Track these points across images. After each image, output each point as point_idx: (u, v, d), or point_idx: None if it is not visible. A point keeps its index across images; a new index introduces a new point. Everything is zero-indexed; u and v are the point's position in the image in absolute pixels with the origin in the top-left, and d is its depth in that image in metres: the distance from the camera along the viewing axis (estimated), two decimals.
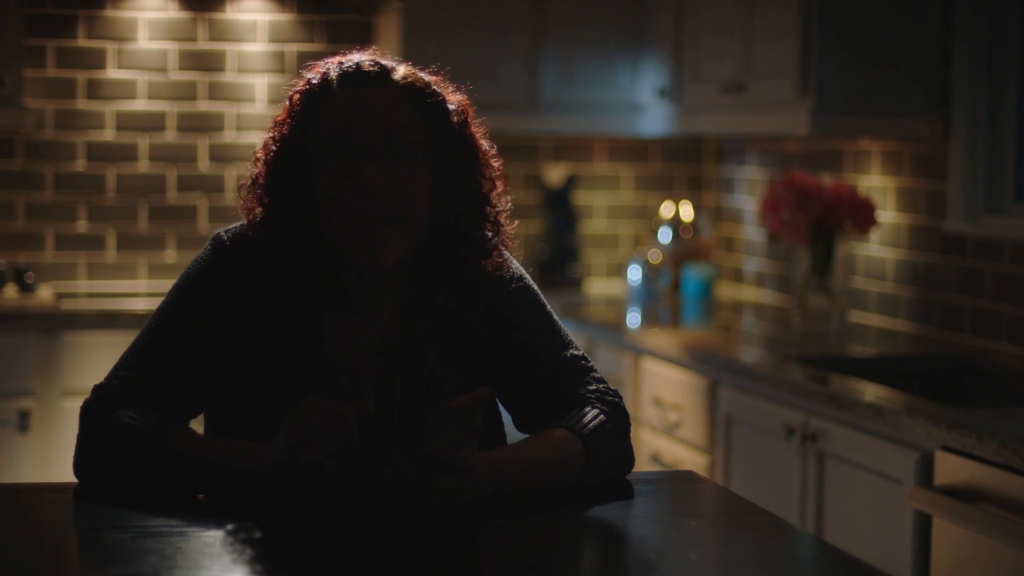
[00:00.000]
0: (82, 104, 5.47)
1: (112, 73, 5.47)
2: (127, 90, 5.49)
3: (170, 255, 5.56)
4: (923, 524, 3.25)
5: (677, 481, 2.49)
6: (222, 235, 2.29)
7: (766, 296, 5.42)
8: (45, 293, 5.29)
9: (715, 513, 2.29)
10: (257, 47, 5.57)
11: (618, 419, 2.27)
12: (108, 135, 5.50)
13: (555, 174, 5.81)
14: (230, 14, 5.55)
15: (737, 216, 5.67)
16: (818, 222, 4.52)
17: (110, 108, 5.49)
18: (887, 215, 4.63)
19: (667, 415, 4.39)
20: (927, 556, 3.24)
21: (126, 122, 5.51)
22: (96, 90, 5.47)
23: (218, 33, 5.55)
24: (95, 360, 4.75)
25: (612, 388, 2.31)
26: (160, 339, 2.24)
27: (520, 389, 2.31)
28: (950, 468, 3.15)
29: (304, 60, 2.83)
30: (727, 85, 4.75)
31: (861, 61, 4.31)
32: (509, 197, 2.32)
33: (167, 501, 2.07)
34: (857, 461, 3.50)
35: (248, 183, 2.27)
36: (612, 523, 2.12)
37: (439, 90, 2.25)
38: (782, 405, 3.79)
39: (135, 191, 5.54)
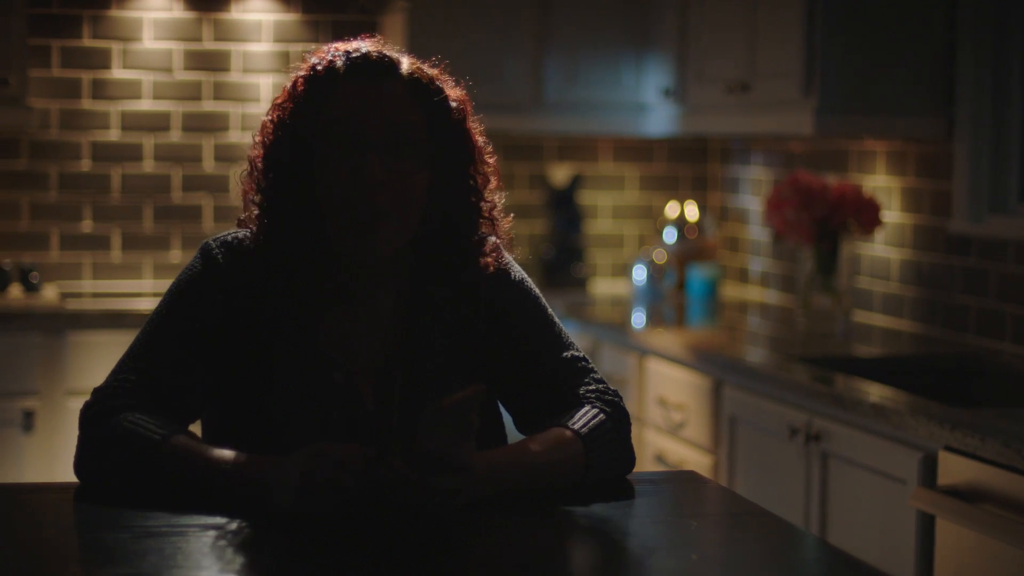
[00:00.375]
0: (87, 104, 5.47)
1: (117, 73, 5.48)
2: (132, 90, 5.50)
3: (175, 255, 5.57)
4: (926, 524, 3.25)
5: (678, 481, 2.49)
6: (211, 243, 2.29)
7: (771, 296, 5.42)
8: (50, 293, 5.30)
9: (716, 513, 2.28)
10: (262, 47, 5.57)
11: (618, 419, 2.27)
12: (113, 135, 5.50)
13: (560, 174, 5.81)
14: (235, 14, 5.56)
15: (742, 216, 5.67)
16: (822, 222, 4.52)
17: (115, 108, 5.49)
18: (891, 215, 4.63)
19: (671, 415, 4.39)
20: (930, 556, 3.24)
21: (131, 122, 5.51)
22: (101, 90, 5.48)
23: (223, 33, 5.55)
24: (100, 360, 4.76)
25: (612, 388, 2.31)
26: (158, 342, 2.23)
27: (520, 390, 2.31)
28: (953, 468, 3.15)
29: None
30: (731, 85, 4.75)
31: (865, 61, 4.31)
32: (504, 193, 2.33)
33: (167, 501, 2.07)
34: (860, 461, 3.49)
35: (247, 167, 2.28)
36: (613, 523, 2.12)
37: (441, 86, 2.25)
38: (786, 405, 3.79)
39: (140, 191, 5.55)
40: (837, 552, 2.05)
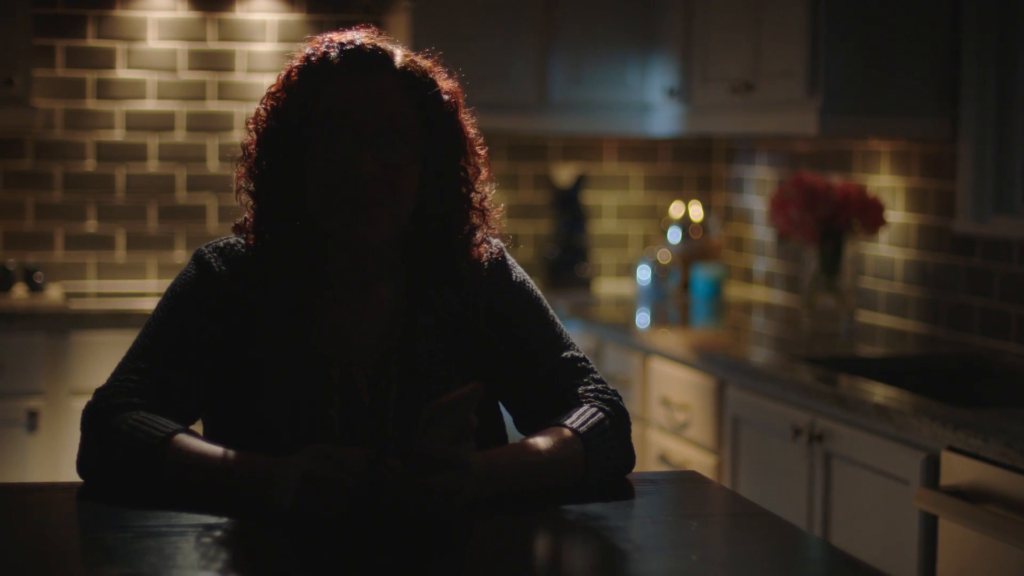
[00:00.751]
0: (91, 104, 5.48)
1: (121, 73, 5.48)
2: (136, 90, 5.50)
3: (179, 255, 5.57)
4: (929, 525, 3.25)
5: (679, 481, 2.49)
6: (203, 250, 2.31)
7: (775, 296, 5.41)
8: (54, 293, 5.30)
9: (717, 513, 2.28)
10: (266, 47, 5.57)
11: (617, 417, 2.27)
12: (117, 135, 5.51)
13: (564, 174, 5.81)
14: (239, 14, 5.56)
15: (746, 216, 5.67)
16: (827, 222, 4.51)
17: (119, 108, 5.49)
18: (896, 215, 4.63)
19: (675, 415, 4.39)
20: (933, 557, 3.24)
21: (135, 122, 5.51)
22: (105, 90, 5.48)
23: (227, 33, 5.55)
24: (104, 360, 4.75)
25: (611, 387, 2.31)
26: (158, 344, 2.24)
27: (519, 390, 2.32)
28: (956, 469, 3.14)
29: None
30: (736, 85, 4.75)
31: (869, 61, 4.31)
32: (494, 185, 2.34)
33: (167, 501, 2.07)
34: (863, 462, 3.49)
35: (240, 154, 2.30)
36: (613, 523, 2.11)
37: (434, 78, 2.26)
38: (789, 405, 3.79)
39: (144, 191, 5.55)
40: (837, 552, 2.05)
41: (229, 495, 2.06)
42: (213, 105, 5.57)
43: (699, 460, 4.24)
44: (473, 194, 2.30)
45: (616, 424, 2.26)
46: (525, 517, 2.10)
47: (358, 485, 1.99)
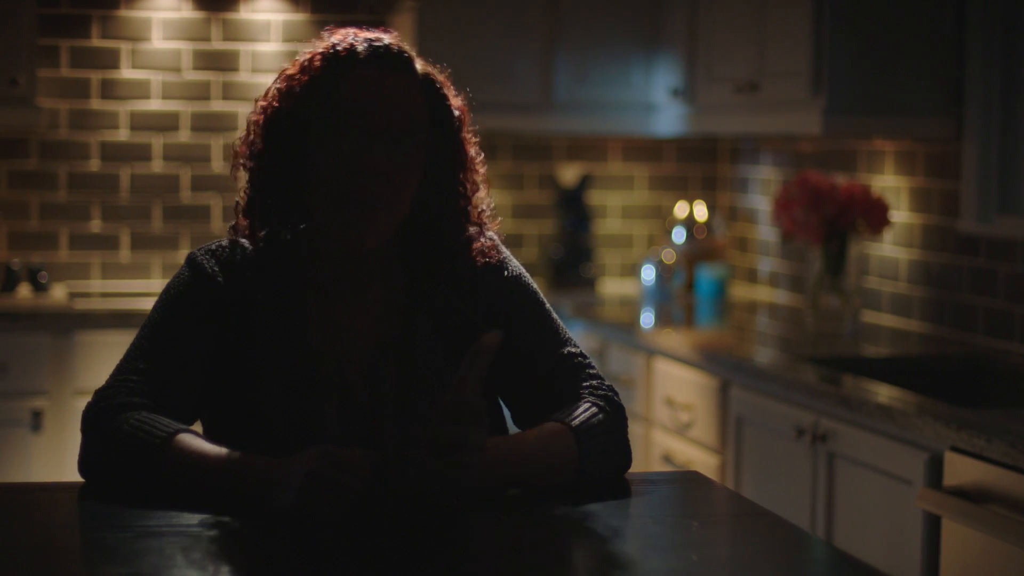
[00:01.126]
0: (96, 104, 5.48)
1: (126, 73, 5.49)
2: (141, 90, 5.50)
3: (183, 255, 5.55)
4: (932, 525, 3.24)
5: (680, 481, 2.49)
6: (196, 253, 2.31)
7: (779, 296, 5.41)
8: (59, 293, 5.31)
9: (717, 513, 2.28)
10: (271, 47, 5.57)
11: (612, 413, 2.27)
12: (122, 135, 5.51)
13: (569, 174, 5.81)
14: (244, 14, 5.56)
15: (751, 216, 5.66)
16: (831, 222, 4.51)
17: (124, 108, 5.50)
18: (900, 215, 4.62)
19: (679, 415, 4.39)
20: (936, 557, 3.23)
21: (140, 122, 5.52)
22: (110, 90, 5.48)
23: (232, 33, 5.55)
24: (108, 360, 4.72)
25: (607, 383, 2.31)
26: (156, 344, 2.25)
27: (518, 386, 2.32)
28: (959, 469, 3.14)
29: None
30: (740, 85, 4.75)
31: (874, 61, 4.30)
32: (491, 200, 2.35)
33: (167, 501, 2.07)
34: (866, 462, 3.49)
35: (244, 134, 2.30)
36: (612, 523, 2.11)
37: (447, 92, 2.29)
38: (792, 405, 3.78)
39: (149, 191, 5.55)
40: (837, 552, 2.05)
41: (230, 495, 2.06)
42: (217, 105, 5.57)
43: (703, 460, 4.24)
44: (470, 207, 2.31)
45: (611, 420, 2.26)
46: (525, 517, 2.10)
47: (360, 487, 1.99)
